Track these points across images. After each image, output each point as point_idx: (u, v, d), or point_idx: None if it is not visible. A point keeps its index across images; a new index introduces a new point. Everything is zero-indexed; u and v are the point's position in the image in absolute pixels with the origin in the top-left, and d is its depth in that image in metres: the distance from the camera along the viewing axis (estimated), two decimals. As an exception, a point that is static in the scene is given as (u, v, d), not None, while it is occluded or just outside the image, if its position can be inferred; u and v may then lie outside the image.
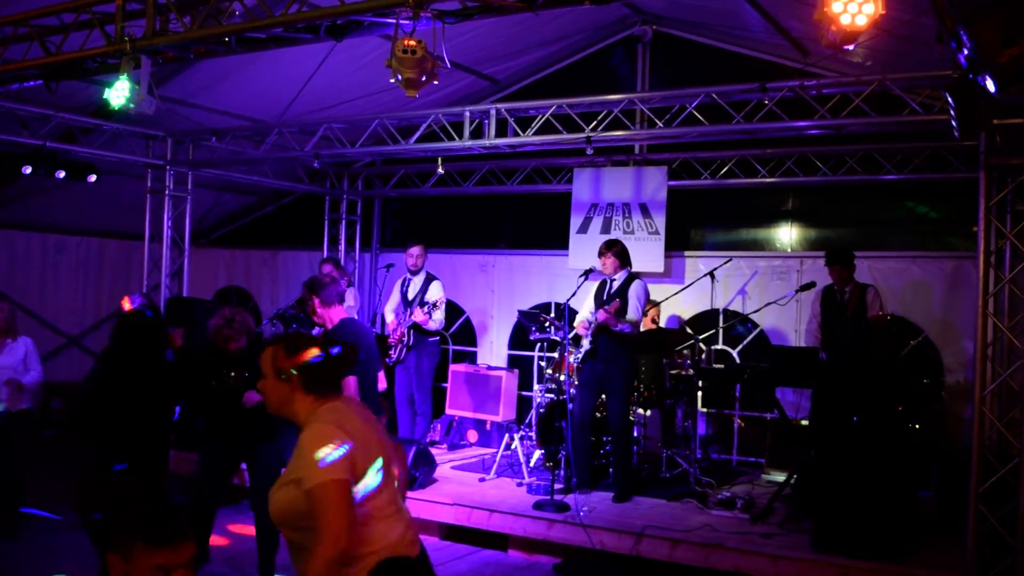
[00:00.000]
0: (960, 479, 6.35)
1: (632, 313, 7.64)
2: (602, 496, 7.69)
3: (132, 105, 6.15)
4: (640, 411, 8.43)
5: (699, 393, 8.60)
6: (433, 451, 8.59)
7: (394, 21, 5.30)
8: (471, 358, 11.04)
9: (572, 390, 8.01)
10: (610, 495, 7.67)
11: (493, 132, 8.09)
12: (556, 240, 10.45)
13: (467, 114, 8.27)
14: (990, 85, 4.08)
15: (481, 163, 10.83)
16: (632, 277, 7.86)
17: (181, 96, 9.27)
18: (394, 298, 9.66)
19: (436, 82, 5.40)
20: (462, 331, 11.31)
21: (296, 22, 5.57)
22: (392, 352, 9.23)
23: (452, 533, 7.57)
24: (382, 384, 6.73)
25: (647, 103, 7.80)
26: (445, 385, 10.17)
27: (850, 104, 6.80)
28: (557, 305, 10.31)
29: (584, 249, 9.90)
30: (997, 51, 3.76)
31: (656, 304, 8.93)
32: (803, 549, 6.33)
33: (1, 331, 7.28)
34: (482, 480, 8.29)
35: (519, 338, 10.69)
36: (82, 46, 6.32)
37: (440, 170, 9.36)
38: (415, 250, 9.42)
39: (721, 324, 9.39)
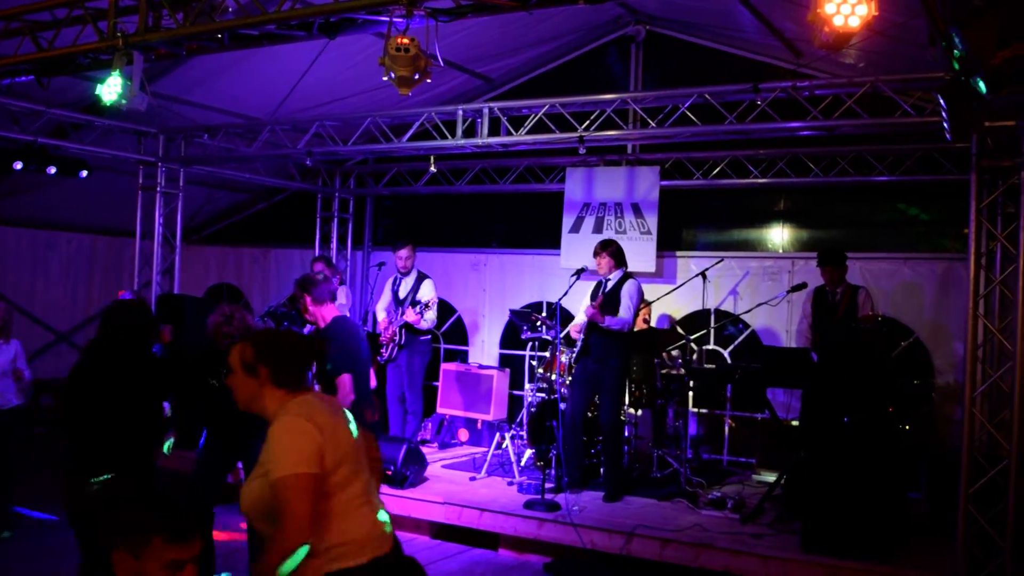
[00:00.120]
0: (950, 480, 6.37)
1: (622, 311, 7.64)
2: (593, 495, 7.69)
3: (124, 101, 6.13)
4: (631, 411, 8.43)
5: (690, 393, 8.61)
6: (424, 450, 8.57)
7: (387, 19, 5.29)
8: (462, 357, 11.03)
9: (564, 389, 8.02)
10: (601, 494, 7.67)
11: (486, 131, 8.08)
12: (548, 239, 10.45)
13: (460, 113, 8.26)
14: (982, 87, 4.09)
15: (474, 162, 10.82)
16: (626, 277, 7.87)
17: (173, 93, 9.24)
18: (385, 296, 9.65)
19: (429, 80, 5.40)
20: (453, 330, 11.29)
21: (289, 19, 5.55)
22: (384, 351, 9.22)
23: (442, 532, 7.56)
24: (372, 382, 6.72)
25: (640, 103, 7.80)
26: (436, 384, 10.17)
27: (842, 105, 6.81)
28: (549, 304, 10.31)
29: (576, 248, 9.91)
30: (989, 53, 3.77)
31: (648, 304, 8.94)
32: (793, 549, 6.34)
33: None
34: (473, 479, 8.29)
35: (510, 337, 10.68)
36: (74, 42, 6.30)
37: (433, 169, 9.33)
38: (403, 252, 9.41)
39: (712, 324, 9.40)
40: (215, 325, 5.99)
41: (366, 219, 12.39)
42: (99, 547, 4.78)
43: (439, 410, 10.07)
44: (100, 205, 11.61)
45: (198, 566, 2.51)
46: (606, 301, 7.73)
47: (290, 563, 2.83)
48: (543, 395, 8.44)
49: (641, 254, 9.55)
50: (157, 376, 5.85)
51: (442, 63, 5.55)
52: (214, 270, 13.10)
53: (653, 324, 9.18)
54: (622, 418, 8.02)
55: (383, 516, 3.19)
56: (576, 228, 10.11)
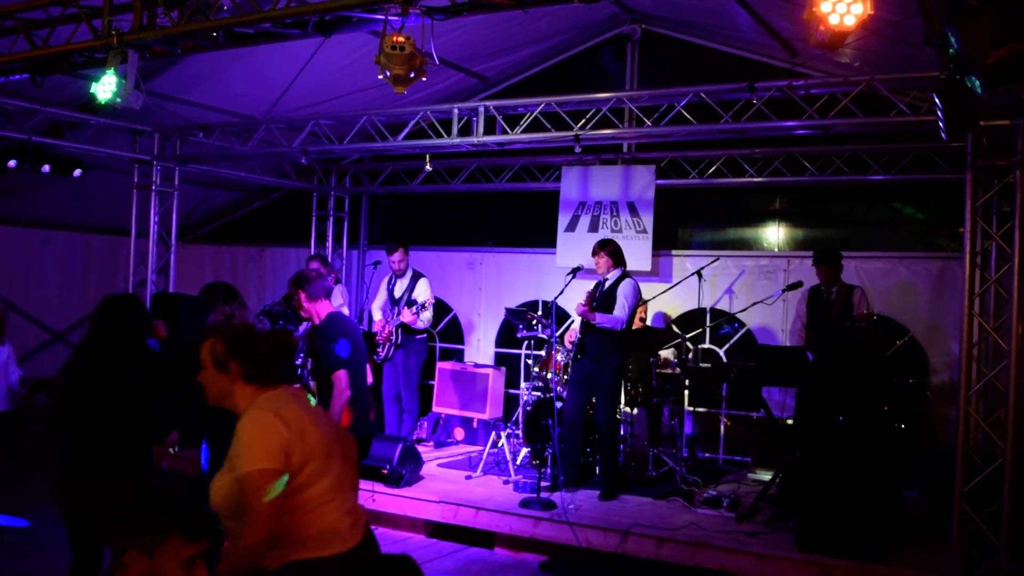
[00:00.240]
0: (945, 479, 6.37)
1: (617, 310, 7.64)
2: (588, 494, 7.69)
3: (119, 100, 6.12)
4: (627, 409, 8.43)
5: (686, 392, 8.62)
6: (420, 449, 8.58)
7: (383, 17, 5.28)
8: (458, 356, 11.02)
9: (559, 388, 8.02)
10: (596, 493, 7.67)
11: (481, 129, 8.07)
12: (544, 238, 10.45)
13: (455, 111, 8.25)
14: (977, 86, 4.09)
15: (469, 160, 10.81)
16: (624, 276, 7.87)
17: (168, 91, 9.22)
18: (381, 296, 9.65)
19: (424, 79, 5.39)
20: (449, 329, 11.29)
21: (284, 17, 5.54)
22: (380, 350, 9.21)
23: (438, 531, 7.56)
24: (369, 378, 6.71)
25: (636, 102, 7.80)
26: (432, 383, 10.16)
27: (838, 104, 6.82)
28: (544, 303, 10.31)
29: (572, 247, 9.91)
30: (985, 52, 3.76)
31: (645, 302, 8.94)
32: (788, 548, 6.35)
33: None
34: (468, 478, 8.29)
35: (506, 336, 10.68)
36: (69, 40, 6.28)
37: (428, 167, 9.34)
38: (396, 256, 9.41)
39: (708, 323, 9.41)
40: (216, 325, 5.97)
41: (361, 218, 12.39)
42: (93, 546, 4.77)
43: (435, 409, 10.07)
44: (95, 204, 11.58)
45: (204, 561, 2.52)
46: (603, 300, 7.74)
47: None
48: (539, 394, 8.45)
49: (637, 253, 9.55)
50: (153, 373, 5.81)
51: (437, 61, 5.55)
52: (209, 269, 13.07)
53: (649, 323, 9.19)
54: (618, 417, 8.02)
55: (356, 512, 3.20)
56: (572, 227, 10.11)
